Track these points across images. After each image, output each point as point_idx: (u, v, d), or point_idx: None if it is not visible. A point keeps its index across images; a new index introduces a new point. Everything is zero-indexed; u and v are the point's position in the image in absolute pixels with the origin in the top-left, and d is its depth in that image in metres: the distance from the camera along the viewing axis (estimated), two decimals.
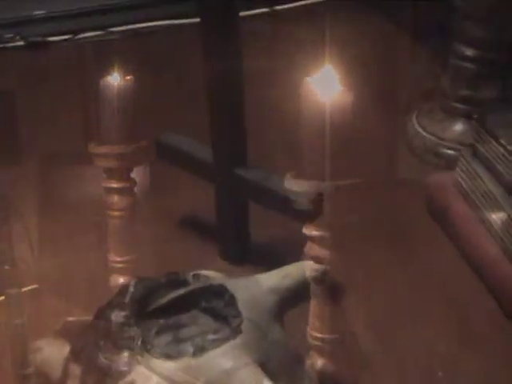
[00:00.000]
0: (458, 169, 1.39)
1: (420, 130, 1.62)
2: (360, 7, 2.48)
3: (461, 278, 1.49)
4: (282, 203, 1.20)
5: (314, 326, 1.15)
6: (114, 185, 1.41)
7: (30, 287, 1.59)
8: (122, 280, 1.40)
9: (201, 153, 1.59)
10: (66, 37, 2.50)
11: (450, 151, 1.53)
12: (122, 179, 1.41)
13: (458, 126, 1.52)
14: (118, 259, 1.41)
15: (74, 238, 1.77)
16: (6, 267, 1.38)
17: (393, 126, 1.91)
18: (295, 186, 1.11)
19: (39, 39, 2.48)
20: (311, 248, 1.13)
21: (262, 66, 2.14)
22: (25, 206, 1.82)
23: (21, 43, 2.48)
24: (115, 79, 1.39)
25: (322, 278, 1.12)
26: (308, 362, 1.16)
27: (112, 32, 2.54)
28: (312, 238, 1.13)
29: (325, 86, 1.09)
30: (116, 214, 1.42)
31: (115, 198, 1.42)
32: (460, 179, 1.38)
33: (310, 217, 1.12)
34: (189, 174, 1.65)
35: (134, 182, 1.43)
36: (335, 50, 1.11)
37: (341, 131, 1.08)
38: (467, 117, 1.53)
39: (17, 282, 1.40)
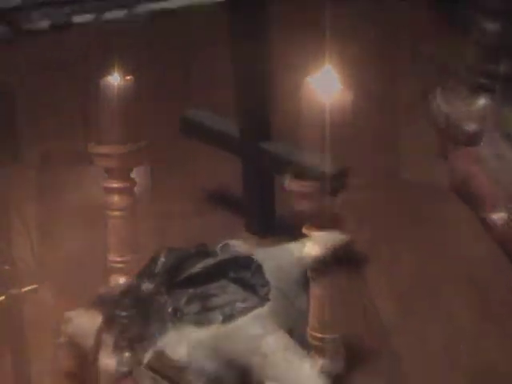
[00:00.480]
0: (481, 144, 1.40)
1: (444, 105, 1.63)
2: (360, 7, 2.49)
3: (483, 254, 1.51)
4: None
5: (314, 326, 1.16)
6: (114, 185, 1.41)
7: (29, 287, 1.58)
8: (122, 280, 1.41)
9: (226, 128, 1.62)
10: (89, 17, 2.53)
11: (473, 126, 1.52)
12: (122, 179, 1.42)
13: (482, 101, 1.52)
14: (118, 259, 1.42)
15: (74, 238, 1.76)
16: (6, 267, 1.43)
17: (392, 125, 1.93)
18: (295, 186, 1.12)
19: (64, 20, 2.51)
20: (311, 248, 1.14)
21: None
22: (25, 206, 1.82)
23: (46, 25, 2.51)
24: (115, 79, 1.40)
25: (321, 264, 1.13)
26: (310, 376, 1.14)
27: (136, 12, 2.57)
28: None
29: (325, 86, 1.10)
30: (116, 213, 1.42)
31: (115, 198, 1.42)
32: (484, 154, 1.39)
33: (334, 190, 1.13)
34: (215, 148, 1.67)
35: (134, 182, 1.44)
36: (335, 50, 1.13)
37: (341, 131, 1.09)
38: (491, 91, 1.54)
39: (17, 282, 1.44)
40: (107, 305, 1.24)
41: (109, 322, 1.21)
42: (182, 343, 1.11)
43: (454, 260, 1.52)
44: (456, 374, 1.29)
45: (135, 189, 1.44)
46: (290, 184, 1.13)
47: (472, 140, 1.51)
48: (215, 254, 1.21)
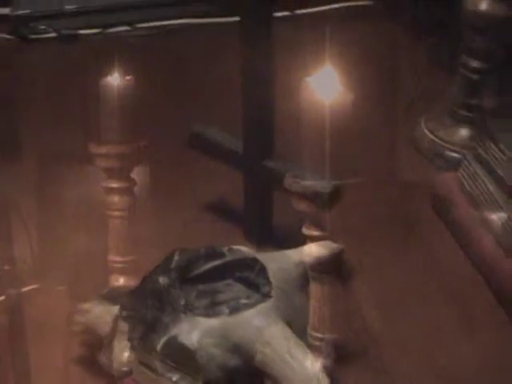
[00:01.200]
0: (461, 171, 1.48)
1: (428, 133, 1.69)
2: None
3: (462, 271, 1.57)
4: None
5: (314, 326, 1.20)
6: (114, 185, 1.43)
7: (30, 287, 1.59)
8: (122, 280, 1.45)
9: (231, 144, 1.69)
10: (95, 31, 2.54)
11: (455, 154, 1.61)
12: (122, 179, 1.43)
13: (464, 132, 1.60)
14: (118, 259, 1.45)
15: (74, 238, 1.75)
16: (6, 267, 1.44)
17: (393, 125, 1.95)
18: (295, 186, 1.15)
19: (70, 32, 2.52)
20: (311, 248, 1.18)
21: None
22: (25, 206, 1.80)
23: (52, 35, 2.51)
24: (115, 79, 1.41)
25: (320, 267, 1.17)
26: (308, 362, 1.19)
27: (140, 28, 2.58)
28: (312, 238, 1.19)
29: (325, 86, 1.11)
30: (116, 213, 1.44)
31: (115, 198, 1.44)
32: (463, 180, 1.47)
33: (328, 205, 1.18)
34: (219, 163, 1.73)
35: (134, 182, 1.46)
36: (335, 50, 1.14)
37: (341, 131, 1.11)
38: (472, 123, 1.63)
39: (17, 282, 1.46)
40: (121, 296, 1.35)
41: (125, 311, 1.31)
42: (193, 331, 1.22)
43: (435, 276, 1.58)
44: (437, 381, 1.37)
45: (135, 189, 1.46)
46: (290, 184, 1.16)
47: (453, 166, 1.57)
48: (223, 255, 1.33)
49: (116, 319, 1.32)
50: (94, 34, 2.53)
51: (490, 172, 1.44)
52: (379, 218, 1.71)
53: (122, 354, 1.34)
